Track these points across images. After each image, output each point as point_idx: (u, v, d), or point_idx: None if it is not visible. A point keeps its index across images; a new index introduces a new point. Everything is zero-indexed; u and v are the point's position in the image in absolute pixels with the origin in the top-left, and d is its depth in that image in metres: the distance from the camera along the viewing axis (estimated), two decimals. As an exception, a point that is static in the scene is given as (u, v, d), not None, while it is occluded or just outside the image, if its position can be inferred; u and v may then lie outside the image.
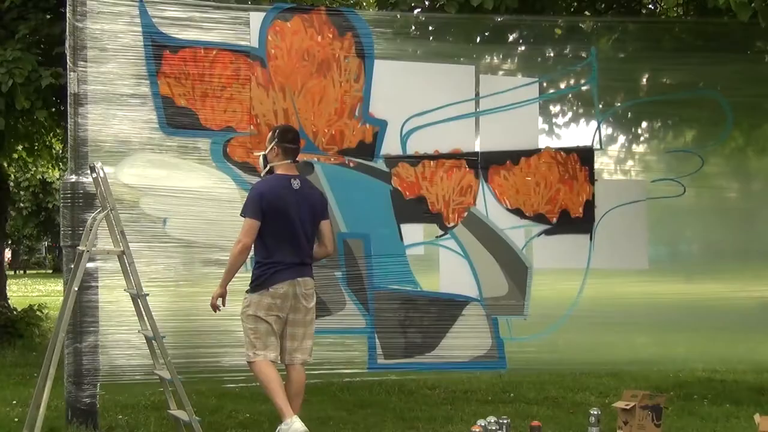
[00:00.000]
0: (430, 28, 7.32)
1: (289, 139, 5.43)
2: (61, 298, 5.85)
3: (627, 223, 6.77)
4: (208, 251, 5.90)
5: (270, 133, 5.49)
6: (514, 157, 6.56)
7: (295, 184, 5.35)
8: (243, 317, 5.32)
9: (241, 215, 5.28)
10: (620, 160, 7.40)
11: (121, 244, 5.17)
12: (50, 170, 13.69)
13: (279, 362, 5.33)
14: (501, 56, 7.38)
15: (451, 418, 6.30)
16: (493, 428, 5.35)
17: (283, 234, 5.25)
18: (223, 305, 5.35)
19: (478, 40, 7.46)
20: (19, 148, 12.05)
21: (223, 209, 5.91)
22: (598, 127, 6.81)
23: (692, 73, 7.06)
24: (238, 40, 6.01)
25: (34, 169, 13.69)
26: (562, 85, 7.10)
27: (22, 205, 29.41)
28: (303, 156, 6.08)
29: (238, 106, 6.00)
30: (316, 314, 5.49)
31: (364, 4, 10.76)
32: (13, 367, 8.97)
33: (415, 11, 7.69)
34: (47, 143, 12.32)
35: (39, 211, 30.72)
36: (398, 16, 7.17)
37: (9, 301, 12.09)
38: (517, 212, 6.53)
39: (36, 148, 12.12)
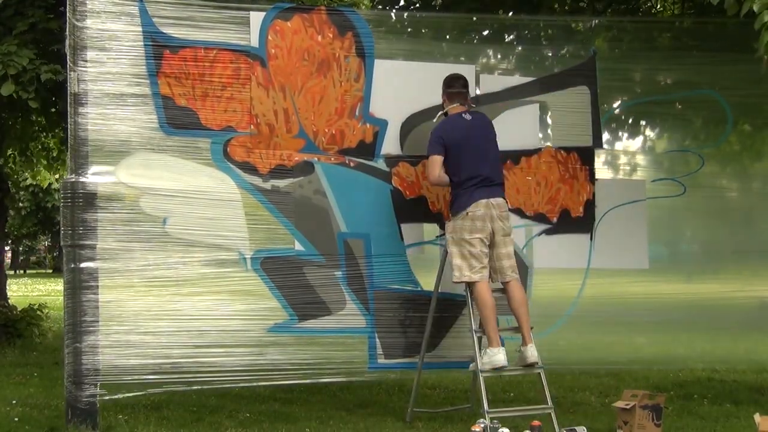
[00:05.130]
0: (431, 27, 7.33)
1: (452, 86, 6.06)
2: (61, 298, 5.85)
3: (627, 223, 6.77)
4: (208, 251, 5.89)
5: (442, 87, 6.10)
6: (514, 156, 6.56)
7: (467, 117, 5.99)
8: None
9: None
10: (620, 159, 7.41)
11: None
12: (43, 176, 13.63)
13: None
14: (501, 56, 7.38)
15: (451, 418, 6.30)
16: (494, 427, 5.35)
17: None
18: None
19: (478, 39, 7.47)
20: (10, 152, 12.00)
21: (223, 209, 5.91)
22: (599, 127, 6.80)
23: (692, 73, 7.07)
24: (239, 40, 5.99)
25: (29, 172, 13.59)
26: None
27: (21, 204, 29.41)
28: (303, 156, 6.10)
29: (238, 105, 5.98)
30: (317, 314, 5.48)
31: (362, 5, 10.75)
32: (13, 366, 8.96)
33: (411, 8, 7.70)
34: (44, 145, 12.29)
35: (38, 211, 30.73)
36: (401, 15, 7.17)
37: (9, 301, 12.09)
38: (518, 212, 6.52)
39: (30, 152, 12.09)
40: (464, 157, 5.84)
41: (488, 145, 5.95)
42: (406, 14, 7.63)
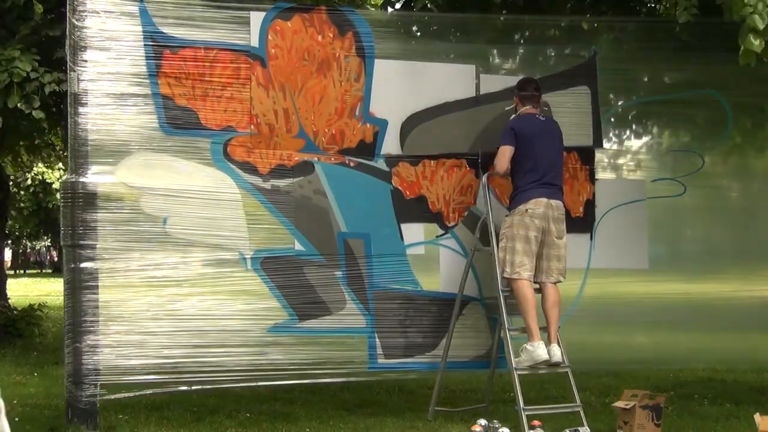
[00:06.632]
0: (431, 27, 7.32)
1: (525, 89, 6.16)
2: (62, 298, 5.85)
3: (627, 223, 6.77)
4: (208, 251, 5.89)
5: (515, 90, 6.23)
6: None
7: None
8: None
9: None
10: (621, 159, 7.40)
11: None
12: (49, 172, 13.60)
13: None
14: (501, 56, 7.37)
15: (451, 418, 6.30)
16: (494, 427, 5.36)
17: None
18: None
19: (478, 39, 7.46)
20: (21, 144, 12.04)
21: (223, 209, 5.91)
22: (599, 127, 6.80)
23: (692, 73, 7.06)
24: (239, 40, 6.00)
25: (35, 169, 13.58)
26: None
27: (22, 205, 29.41)
28: (303, 156, 6.10)
29: (238, 105, 5.98)
30: (317, 314, 5.47)
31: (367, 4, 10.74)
32: (13, 366, 8.97)
33: (413, 9, 7.68)
34: (48, 142, 12.30)
35: (39, 211, 30.73)
36: (402, 15, 7.16)
37: (9, 301, 12.09)
38: (518, 212, 6.50)
39: (37, 144, 12.12)
40: (532, 154, 5.94)
41: (556, 150, 6.09)
42: (408, 14, 7.59)
